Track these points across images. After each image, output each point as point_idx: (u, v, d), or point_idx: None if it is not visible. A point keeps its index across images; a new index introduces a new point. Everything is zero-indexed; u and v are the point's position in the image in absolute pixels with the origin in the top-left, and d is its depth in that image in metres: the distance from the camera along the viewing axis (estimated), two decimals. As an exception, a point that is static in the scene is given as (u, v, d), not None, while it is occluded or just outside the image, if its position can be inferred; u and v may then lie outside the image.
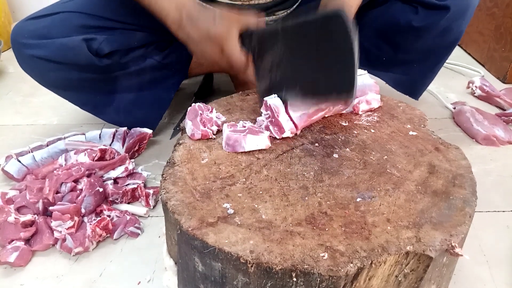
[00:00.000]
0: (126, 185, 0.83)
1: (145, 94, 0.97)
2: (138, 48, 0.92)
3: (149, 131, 0.96)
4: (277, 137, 0.61)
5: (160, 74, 0.97)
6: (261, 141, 0.59)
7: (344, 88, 0.58)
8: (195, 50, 0.75)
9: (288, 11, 0.96)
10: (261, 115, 0.64)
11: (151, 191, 0.82)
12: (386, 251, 0.43)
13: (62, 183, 0.77)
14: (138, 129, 0.95)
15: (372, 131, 0.64)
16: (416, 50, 0.95)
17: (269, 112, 0.62)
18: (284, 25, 0.60)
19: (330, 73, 0.58)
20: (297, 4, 0.96)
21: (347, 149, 0.60)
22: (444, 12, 0.87)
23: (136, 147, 0.95)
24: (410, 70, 1.00)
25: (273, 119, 0.61)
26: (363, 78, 0.71)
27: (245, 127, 0.61)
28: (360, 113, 0.68)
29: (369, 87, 0.70)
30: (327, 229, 0.46)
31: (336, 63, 0.57)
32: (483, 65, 1.44)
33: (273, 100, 0.62)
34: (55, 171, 0.80)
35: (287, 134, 0.61)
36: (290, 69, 0.61)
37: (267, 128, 0.62)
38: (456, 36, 0.93)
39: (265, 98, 0.62)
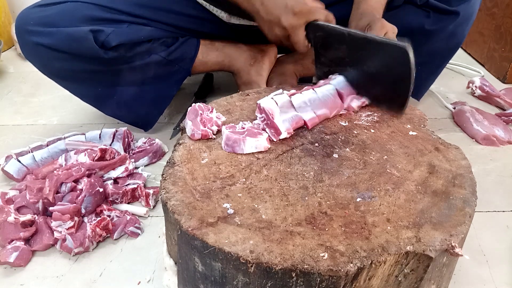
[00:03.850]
0: (126, 185, 0.83)
1: (148, 89, 0.97)
2: (145, 42, 0.91)
3: (166, 149, 0.98)
4: (274, 140, 0.61)
5: (164, 70, 0.97)
6: (260, 143, 0.59)
7: (395, 106, 0.67)
8: (261, 25, 0.79)
9: None
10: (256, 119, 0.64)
11: (151, 191, 0.82)
12: (386, 251, 0.43)
13: (62, 183, 0.77)
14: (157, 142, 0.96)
15: (372, 131, 0.64)
16: (422, 52, 0.99)
17: (263, 115, 0.62)
18: (352, 32, 0.68)
19: (386, 90, 0.67)
20: None
21: (347, 149, 0.60)
22: (454, 17, 0.92)
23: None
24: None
25: (269, 122, 0.61)
26: None
27: (244, 128, 0.61)
28: (355, 109, 0.69)
29: None
30: (327, 229, 0.46)
31: (393, 83, 0.66)
32: (483, 65, 1.44)
33: (267, 102, 0.62)
34: (55, 171, 0.80)
35: (284, 135, 0.61)
36: (351, 69, 0.70)
37: (263, 131, 0.62)
38: (459, 40, 0.99)
39: (258, 101, 0.63)
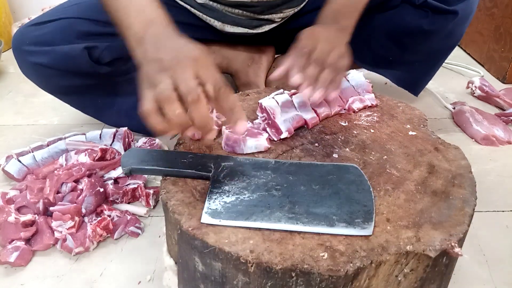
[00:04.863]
0: (127, 185, 0.83)
1: None
2: None
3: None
4: (275, 139, 0.61)
5: None
6: (260, 144, 0.59)
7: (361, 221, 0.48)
8: (146, 71, 0.61)
9: (296, 9, 0.96)
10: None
11: (151, 191, 0.82)
12: (386, 251, 0.43)
13: (63, 183, 0.77)
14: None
15: (372, 131, 0.64)
16: (421, 51, 0.99)
17: (265, 114, 0.62)
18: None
19: (345, 207, 0.50)
20: (304, 3, 0.96)
21: (347, 149, 0.60)
22: (453, 16, 0.91)
23: (137, 147, 0.95)
24: (412, 69, 1.03)
25: (270, 121, 0.61)
26: (357, 77, 0.72)
27: None
28: (355, 110, 0.69)
29: (362, 87, 0.72)
30: (327, 229, 0.46)
31: (351, 200, 0.50)
32: (482, 65, 1.44)
33: (268, 102, 0.62)
34: (55, 171, 0.80)
35: (285, 135, 0.61)
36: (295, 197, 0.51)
37: (264, 130, 0.62)
38: (457, 39, 0.99)
39: (260, 100, 0.63)
